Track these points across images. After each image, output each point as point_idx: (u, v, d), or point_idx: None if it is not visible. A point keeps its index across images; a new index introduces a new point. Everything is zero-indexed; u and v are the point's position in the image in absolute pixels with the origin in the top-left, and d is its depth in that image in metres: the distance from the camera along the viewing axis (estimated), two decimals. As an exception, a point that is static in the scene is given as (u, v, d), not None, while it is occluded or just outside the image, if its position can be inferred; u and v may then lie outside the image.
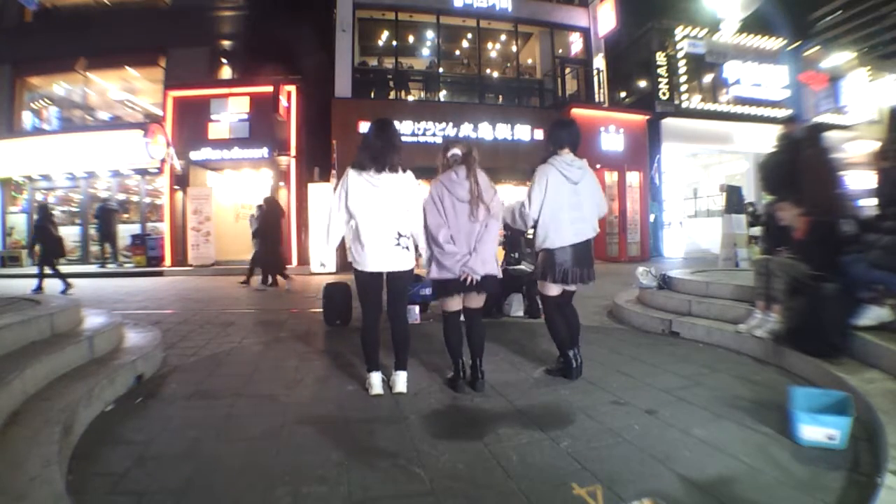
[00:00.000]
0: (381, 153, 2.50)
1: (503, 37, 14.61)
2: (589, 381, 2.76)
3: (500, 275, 2.68)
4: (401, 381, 2.61)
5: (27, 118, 13.34)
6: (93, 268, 11.42)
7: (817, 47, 17.15)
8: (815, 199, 3.22)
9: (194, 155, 11.53)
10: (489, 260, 2.60)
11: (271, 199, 8.07)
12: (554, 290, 2.82)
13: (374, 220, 2.50)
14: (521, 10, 13.64)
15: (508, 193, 11.75)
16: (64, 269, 9.18)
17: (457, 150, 2.63)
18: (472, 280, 2.51)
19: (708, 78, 15.16)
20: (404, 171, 2.57)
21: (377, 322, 2.64)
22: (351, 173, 2.53)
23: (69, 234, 12.80)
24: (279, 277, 7.83)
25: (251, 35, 12.58)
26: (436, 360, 3.19)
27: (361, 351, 2.69)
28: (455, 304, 2.67)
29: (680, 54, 14.28)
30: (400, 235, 2.52)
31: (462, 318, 2.72)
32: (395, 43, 13.80)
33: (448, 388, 2.68)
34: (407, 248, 2.57)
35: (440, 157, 2.67)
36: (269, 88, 11.06)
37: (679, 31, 14.32)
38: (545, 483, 1.68)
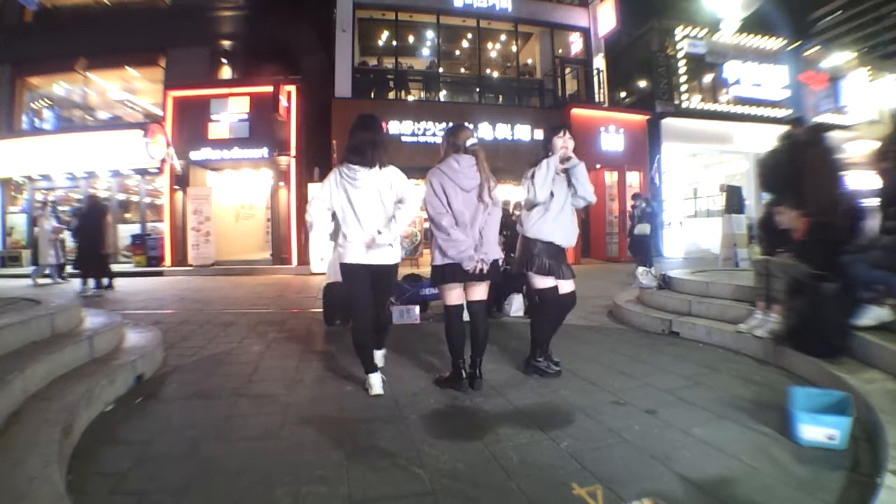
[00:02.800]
0: (362, 146, 2.50)
1: (503, 37, 14.61)
2: (589, 381, 2.76)
3: (501, 258, 2.69)
4: (378, 357, 2.79)
5: (27, 118, 13.34)
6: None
7: (817, 47, 17.16)
8: (816, 199, 3.22)
9: (194, 155, 11.53)
10: (493, 247, 2.61)
11: (91, 197, 7.92)
12: (542, 282, 2.80)
13: (354, 219, 2.51)
14: (521, 10, 13.66)
15: (509, 193, 11.75)
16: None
17: (475, 140, 2.63)
18: (480, 268, 2.51)
19: (708, 78, 15.18)
20: (383, 166, 2.53)
21: (368, 322, 2.62)
22: (334, 172, 2.55)
23: (67, 233, 12.80)
24: (90, 280, 7.33)
25: (251, 35, 12.58)
26: (435, 361, 3.19)
27: None
28: (456, 296, 2.64)
29: (680, 54, 14.29)
30: (380, 233, 2.50)
31: (465, 316, 2.70)
32: (395, 43, 13.81)
33: (448, 387, 2.67)
34: (391, 245, 2.56)
35: (449, 138, 2.63)
36: (269, 88, 11.07)
37: (679, 31, 14.33)
38: (545, 483, 1.68)
